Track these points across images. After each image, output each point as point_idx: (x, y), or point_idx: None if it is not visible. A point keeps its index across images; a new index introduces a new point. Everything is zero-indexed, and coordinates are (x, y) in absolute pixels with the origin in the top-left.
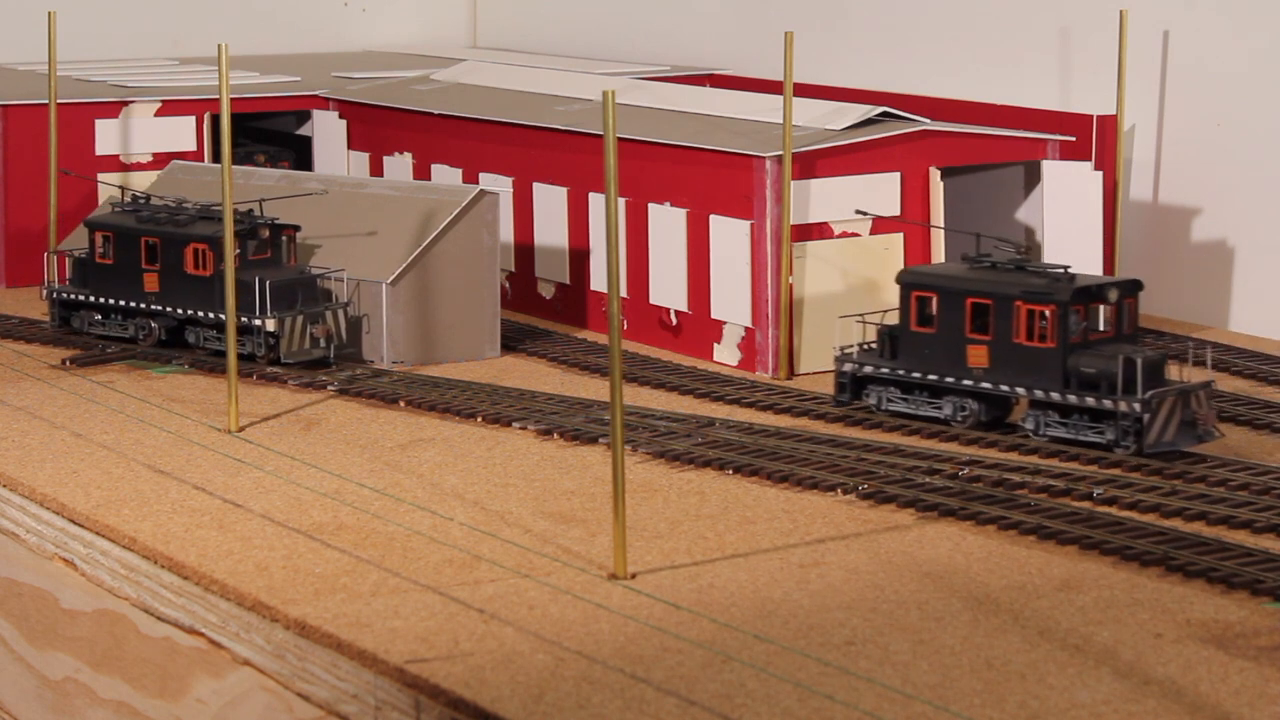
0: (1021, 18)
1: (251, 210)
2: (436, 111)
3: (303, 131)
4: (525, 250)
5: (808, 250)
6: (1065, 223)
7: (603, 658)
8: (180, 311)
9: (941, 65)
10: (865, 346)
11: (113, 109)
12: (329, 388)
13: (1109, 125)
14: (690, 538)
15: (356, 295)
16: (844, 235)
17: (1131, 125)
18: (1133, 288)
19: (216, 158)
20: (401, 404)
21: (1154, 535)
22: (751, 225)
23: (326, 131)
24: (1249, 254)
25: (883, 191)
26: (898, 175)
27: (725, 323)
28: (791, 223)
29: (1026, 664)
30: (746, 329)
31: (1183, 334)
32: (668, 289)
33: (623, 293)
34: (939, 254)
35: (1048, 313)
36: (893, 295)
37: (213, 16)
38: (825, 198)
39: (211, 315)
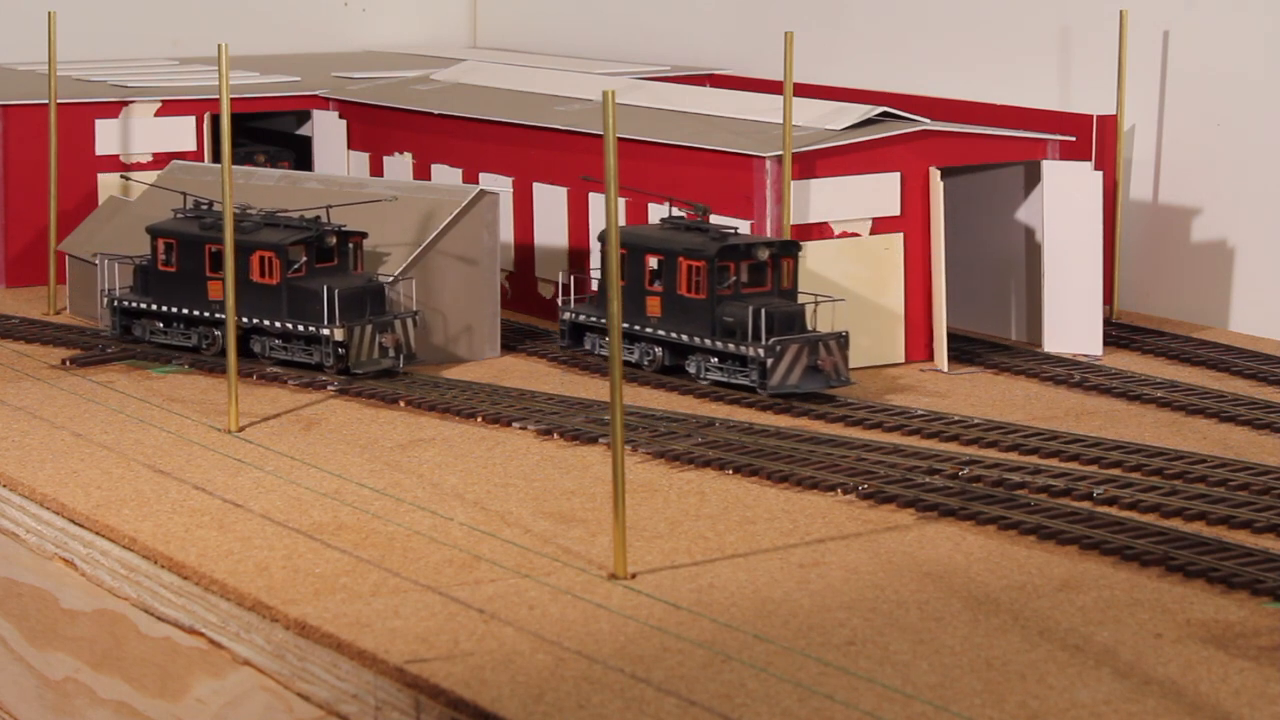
0: (1021, 18)
1: (319, 217)
2: (436, 111)
3: (303, 131)
4: (525, 250)
5: (808, 250)
6: (1065, 223)
7: (603, 658)
8: (245, 320)
9: (941, 65)
10: (587, 299)
11: (113, 109)
12: (329, 388)
13: (1109, 125)
14: (690, 538)
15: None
16: (844, 235)
17: (1131, 125)
18: (789, 248)
19: (216, 158)
20: (401, 404)
21: (1154, 535)
22: (752, 225)
23: (326, 131)
24: (1249, 254)
25: (883, 191)
26: (898, 175)
27: None
28: (791, 223)
29: (1026, 664)
30: None
31: (1183, 334)
32: None
33: None
34: (939, 253)
35: (699, 267)
36: (895, 295)
37: (212, 16)
38: (825, 198)
39: (278, 324)
